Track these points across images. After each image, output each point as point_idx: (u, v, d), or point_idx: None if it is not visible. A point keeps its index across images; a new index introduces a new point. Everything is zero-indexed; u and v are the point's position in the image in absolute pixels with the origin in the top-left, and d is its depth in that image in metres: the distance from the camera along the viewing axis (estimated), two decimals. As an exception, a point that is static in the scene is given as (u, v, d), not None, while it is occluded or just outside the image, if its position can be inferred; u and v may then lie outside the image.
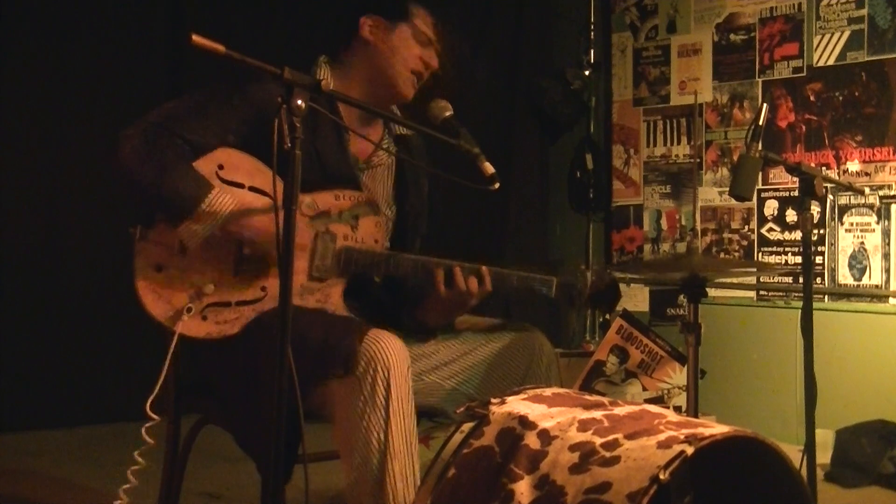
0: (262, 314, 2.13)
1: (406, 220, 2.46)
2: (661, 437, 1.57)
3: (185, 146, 2.14)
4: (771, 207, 4.22)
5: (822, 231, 4.02)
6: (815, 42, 4.07)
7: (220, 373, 2.21)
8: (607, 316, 4.46)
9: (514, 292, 2.34)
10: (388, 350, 2.01)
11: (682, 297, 2.31)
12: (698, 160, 4.43)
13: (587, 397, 1.84)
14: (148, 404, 2.09)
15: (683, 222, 4.54)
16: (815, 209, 2.51)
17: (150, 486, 2.29)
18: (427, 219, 2.53)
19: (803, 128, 4.12)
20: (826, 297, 4.02)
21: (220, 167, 2.15)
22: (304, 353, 1.99)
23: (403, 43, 2.35)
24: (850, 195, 3.94)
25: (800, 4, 4.12)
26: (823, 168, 3.99)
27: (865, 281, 3.92)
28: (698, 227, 4.40)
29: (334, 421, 2.07)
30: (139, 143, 2.12)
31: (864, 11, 3.92)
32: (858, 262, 3.94)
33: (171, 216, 2.10)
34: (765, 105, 2.39)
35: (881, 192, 3.89)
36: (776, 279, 4.20)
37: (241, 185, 2.16)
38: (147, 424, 2.10)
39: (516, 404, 1.77)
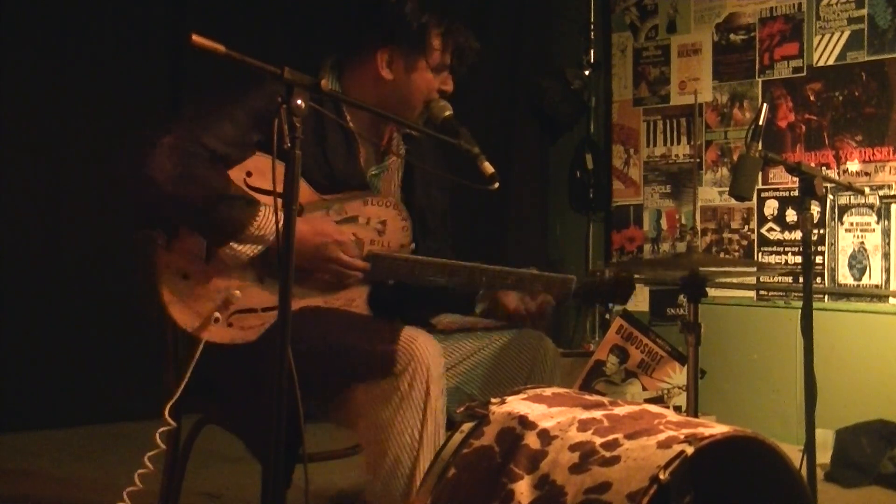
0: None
1: (412, 216, 2.44)
2: (661, 436, 1.57)
3: (219, 163, 2.11)
4: (771, 207, 4.22)
5: (822, 231, 4.02)
6: (815, 42, 4.07)
7: (231, 375, 2.20)
8: (607, 316, 4.46)
9: (532, 292, 2.36)
10: (426, 349, 2.04)
11: (682, 296, 2.31)
12: (698, 160, 4.43)
13: (587, 397, 1.84)
14: (167, 410, 2.10)
15: (683, 222, 4.54)
16: (815, 209, 2.51)
17: (150, 485, 2.29)
18: (441, 217, 2.53)
19: (803, 128, 4.12)
20: (826, 297, 4.02)
21: (249, 174, 2.15)
22: (342, 358, 2.03)
23: (421, 77, 2.31)
24: (850, 195, 3.94)
25: (800, 4, 4.12)
26: (823, 168, 3.99)
27: (865, 281, 3.92)
28: (698, 226, 4.40)
29: (363, 420, 2.07)
30: (173, 165, 2.05)
31: (864, 11, 3.92)
32: (858, 262, 3.94)
33: (215, 239, 2.10)
34: (765, 105, 2.39)
35: (881, 192, 3.89)
36: (776, 279, 4.20)
37: (269, 192, 2.16)
38: (162, 429, 2.11)
39: (516, 404, 1.77)
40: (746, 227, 4.30)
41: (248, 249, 2.10)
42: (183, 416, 2.35)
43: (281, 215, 1.71)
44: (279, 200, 1.82)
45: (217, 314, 2.10)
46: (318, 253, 2.17)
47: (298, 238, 2.12)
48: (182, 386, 2.11)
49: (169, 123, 2.14)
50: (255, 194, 2.13)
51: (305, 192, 2.21)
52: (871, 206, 3.91)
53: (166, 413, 2.11)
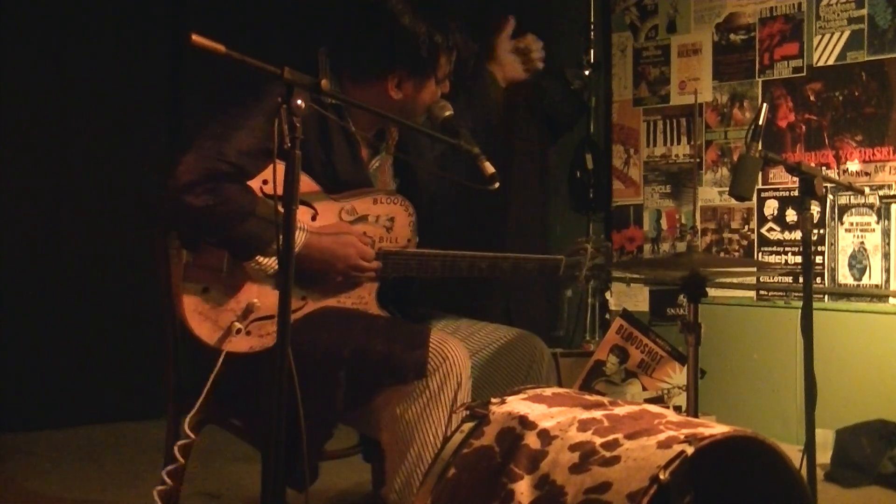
0: (297, 320, 2.15)
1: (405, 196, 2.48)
2: (661, 436, 1.57)
3: (241, 176, 2.13)
4: (771, 207, 4.22)
5: (822, 231, 4.02)
6: (815, 42, 4.07)
7: (249, 376, 2.21)
8: (607, 316, 4.46)
9: (528, 273, 2.45)
10: (457, 353, 2.09)
11: (682, 296, 2.32)
12: (698, 160, 4.43)
13: (587, 397, 1.84)
14: (186, 423, 2.11)
15: (683, 222, 4.54)
16: (815, 209, 2.51)
17: (150, 485, 2.29)
18: (430, 199, 2.54)
19: (803, 128, 4.12)
20: (826, 297, 4.01)
21: (265, 182, 2.16)
22: (373, 363, 2.08)
23: (428, 92, 2.35)
24: (850, 195, 3.94)
25: (800, 4, 4.12)
26: (823, 168, 3.98)
27: (865, 281, 3.92)
28: (698, 226, 4.40)
29: (386, 418, 2.11)
30: (200, 184, 2.08)
31: (864, 11, 3.91)
32: (858, 262, 3.94)
33: (243, 254, 2.12)
34: (765, 105, 2.39)
35: (881, 192, 3.88)
36: (776, 279, 4.20)
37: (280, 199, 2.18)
38: (180, 442, 2.11)
39: (516, 404, 1.77)
40: (746, 227, 4.30)
41: (273, 262, 2.13)
42: (183, 417, 2.36)
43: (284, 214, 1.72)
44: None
45: (238, 325, 2.12)
46: (340, 260, 2.21)
47: (321, 249, 2.16)
48: (202, 398, 2.12)
49: (190, 138, 2.16)
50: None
51: (318, 195, 2.23)
52: (871, 206, 3.91)
53: (186, 427, 2.12)
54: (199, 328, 2.12)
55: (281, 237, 2.06)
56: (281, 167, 1.73)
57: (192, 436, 2.14)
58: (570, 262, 2.49)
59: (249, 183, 2.15)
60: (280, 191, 1.78)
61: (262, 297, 2.16)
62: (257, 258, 2.12)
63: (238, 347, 2.13)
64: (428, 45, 2.28)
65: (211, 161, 2.09)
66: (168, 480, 2.14)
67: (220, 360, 2.11)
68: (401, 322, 2.32)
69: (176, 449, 2.13)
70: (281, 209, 2.05)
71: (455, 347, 2.10)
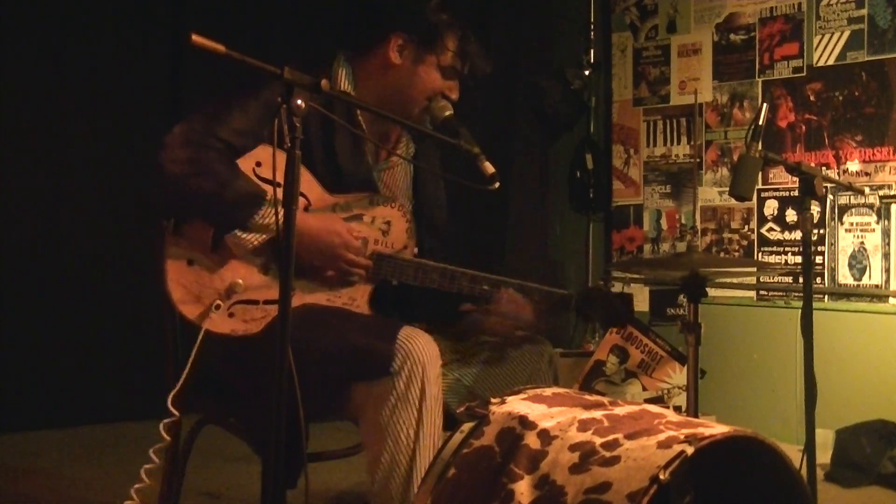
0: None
1: (422, 212, 2.47)
2: (661, 436, 1.57)
3: (228, 151, 2.14)
4: (771, 207, 4.22)
5: (822, 231, 4.02)
6: (815, 42, 4.07)
7: (239, 371, 2.21)
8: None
9: (534, 303, 2.36)
10: (423, 349, 2.05)
11: (682, 296, 2.31)
12: (698, 160, 4.43)
13: (587, 397, 1.84)
14: (169, 400, 2.10)
15: (683, 222, 4.54)
16: (815, 209, 2.52)
17: (149, 485, 2.29)
18: (441, 212, 2.54)
19: (803, 128, 4.12)
20: (826, 297, 4.02)
21: (258, 164, 2.16)
22: (341, 356, 2.05)
23: (428, 74, 2.33)
24: (850, 195, 3.94)
25: (800, 4, 4.12)
26: (823, 168, 3.99)
27: (865, 281, 3.92)
28: (698, 226, 4.40)
29: (363, 419, 2.09)
30: (185, 154, 2.10)
31: (864, 11, 3.92)
32: (858, 262, 3.94)
33: (222, 227, 2.12)
34: (765, 105, 2.39)
35: (881, 192, 3.89)
36: (776, 279, 4.20)
37: (279, 184, 2.18)
38: (165, 420, 2.11)
39: (516, 404, 1.77)
40: (746, 227, 4.30)
41: (253, 238, 2.12)
42: (183, 416, 2.35)
43: (282, 211, 1.71)
44: (280, 194, 1.82)
45: (218, 301, 2.11)
46: (326, 248, 2.18)
47: (307, 233, 2.14)
48: (184, 375, 2.10)
49: (189, 117, 2.17)
50: (263, 184, 2.14)
51: (314, 188, 2.23)
52: (871, 206, 3.91)
53: (169, 403, 2.11)
54: (182, 302, 2.11)
55: (271, 216, 2.07)
56: (279, 159, 1.73)
57: (177, 413, 2.13)
58: (581, 300, 2.38)
59: (241, 163, 2.15)
60: (276, 178, 1.78)
61: (247, 278, 2.15)
62: (236, 232, 2.12)
63: (218, 327, 2.11)
64: (435, 17, 2.30)
65: (198, 133, 2.12)
66: (154, 458, 2.13)
67: (200, 337, 2.09)
68: (375, 318, 2.28)
69: (161, 427, 2.11)
70: (269, 191, 2.07)
71: (419, 343, 2.05)
